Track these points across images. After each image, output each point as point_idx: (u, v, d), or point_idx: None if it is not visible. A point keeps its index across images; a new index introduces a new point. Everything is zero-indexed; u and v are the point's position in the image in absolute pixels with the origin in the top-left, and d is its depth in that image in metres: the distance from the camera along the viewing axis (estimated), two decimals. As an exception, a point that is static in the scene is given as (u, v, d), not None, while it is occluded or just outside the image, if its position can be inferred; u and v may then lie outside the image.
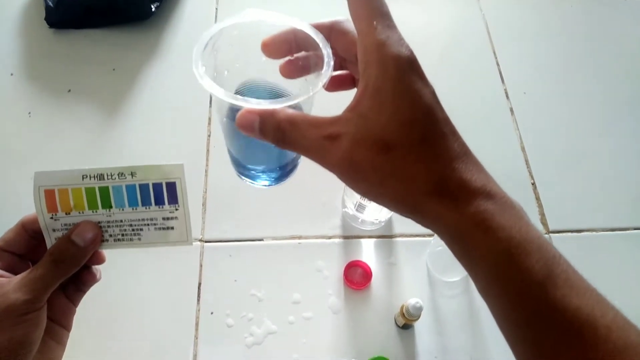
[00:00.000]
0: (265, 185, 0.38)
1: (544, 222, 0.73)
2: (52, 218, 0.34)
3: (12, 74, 0.81)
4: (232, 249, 0.68)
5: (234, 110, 0.28)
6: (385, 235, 0.70)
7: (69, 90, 0.80)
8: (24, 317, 0.31)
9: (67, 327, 0.36)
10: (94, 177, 0.34)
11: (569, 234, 0.73)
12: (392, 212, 0.69)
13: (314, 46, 0.30)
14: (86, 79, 0.81)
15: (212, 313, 0.64)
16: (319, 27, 0.30)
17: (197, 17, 0.88)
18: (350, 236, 0.70)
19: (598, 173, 0.78)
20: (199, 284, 0.65)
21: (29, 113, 0.77)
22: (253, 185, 0.38)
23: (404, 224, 0.71)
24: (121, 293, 0.63)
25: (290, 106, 0.27)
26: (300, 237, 0.69)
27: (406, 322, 0.61)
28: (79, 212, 0.34)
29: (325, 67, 0.29)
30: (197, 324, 0.63)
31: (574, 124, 0.82)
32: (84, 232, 0.33)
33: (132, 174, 0.34)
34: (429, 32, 0.90)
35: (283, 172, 0.37)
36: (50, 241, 0.34)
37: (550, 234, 0.72)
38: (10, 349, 0.31)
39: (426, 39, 0.89)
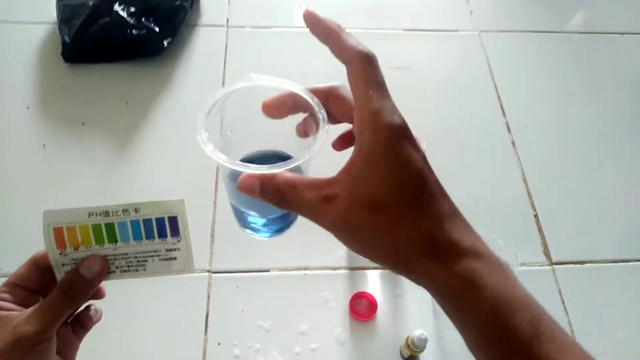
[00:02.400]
0: (267, 237, 0.40)
1: (546, 254, 0.74)
2: (61, 254, 0.36)
3: (28, 107, 0.84)
4: (240, 280, 0.69)
5: (235, 172, 0.29)
6: (390, 267, 0.71)
7: (83, 123, 0.83)
8: (35, 347, 0.33)
9: (70, 359, 0.38)
10: (100, 214, 0.36)
11: (572, 265, 0.73)
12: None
13: (311, 110, 0.32)
14: (100, 112, 0.84)
15: (219, 344, 0.65)
16: (317, 92, 0.32)
17: (207, 53, 0.91)
18: (355, 267, 0.71)
19: (600, 204, 0.79)
20: (207, 315, 0.66)
21: (44, 145, 0.80)
22: (255, 237, 0.40)
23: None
24: (129, 323, 0.64)
25: (289, 169, 0.29)
26: (306, 268, 0.70)
27: (411, 354, 0.62)
28: (87, 247, 0.36)
29: (320, 132, 0.31)
30: (204, 355, 0.64)
31: (576, 156, 0.84)
32: (91, 265, 0.35)
33: (135, 210, 0.36)
34: (432, 66, 0.92)
35: (283, 225, 0.39)
36: (60, 275, 0.36)
37: (554, 266, 0.73)
38: None
39: (429, 73, 0.91)
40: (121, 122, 0.83)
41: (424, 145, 0.53)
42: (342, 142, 0.34)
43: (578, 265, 0.73)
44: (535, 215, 0.77)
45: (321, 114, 0.31)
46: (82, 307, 0.39)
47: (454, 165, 0.81)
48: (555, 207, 0.78)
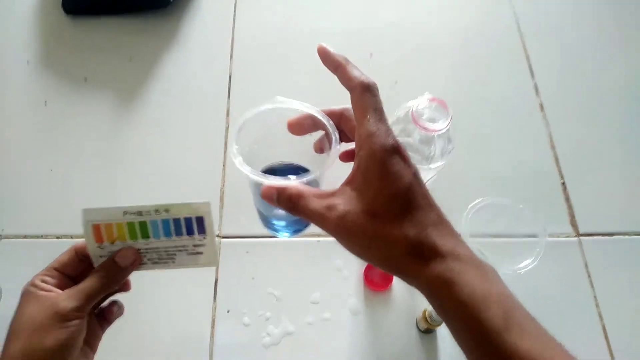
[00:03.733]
0: (287, 236, 0.47)
1: (573, 224, 0.70)
2: (98, 247, 0.40)
3: (28, 62, 0.79)
4: (250, 246, 0.66)
5: (259, 182, 0.35)
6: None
7: (85, 79, 0.78)
8: (70, 322, 0.37)
9: (93, 349, 0.42)
10: (134, 213, 0.40)
11: (600, 237, 0.69)
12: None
13: (326, 130, 0.38)
14: (103, 67, 0.80)
15: (228, 311, 0.62)
16: (332, 113, 0.38)
17: (215, 5, 0.86)
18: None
19: (633, 173, 0.74)
20: (216, 281, 0.64)
21: (45, 102, 0.76)
22: (276, 236, 0.47)
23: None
24: (136, 289, 0.61)
25: (302, 182, 0.34)
26: (319, 235, 0.67)
27: (428, 327, 0.59)
28: (122, 242, 0.40)
29: (332, 150, 0.36)
30: (213, 322, 0.62)
31: (608, 121, 0.78)
32: (126, 256, 0.40)
33: (166, 210, 0.40)
34: (457, 26, 0.86)
35: (301, 226, 0.45)
36: (97, 264, 0.41)
37: (580, 237, 0.69)
38: (54, 350, 0.36)
39: (453, 33, 0.85)
40: (125, 79, 0.79)
41: (450, 112, 0.49)
42: (346, 156, 0.39)
43: (607, 237, 0.69)
44: (563, 184, 0.73)
45: (334, 135, 0.37)
46: (107, 302, 0.44)
47: (477, 130, 0.76)
48: (584, 175, 0.73)
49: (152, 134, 0.74)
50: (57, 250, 0.65)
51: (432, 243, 0.31)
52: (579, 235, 0.69)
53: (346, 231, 0.32)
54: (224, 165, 0.72)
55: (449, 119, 0.48)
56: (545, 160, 0.74)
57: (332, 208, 0.32)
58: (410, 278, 0.32)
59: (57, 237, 0.66)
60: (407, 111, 0.50)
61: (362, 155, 0.32)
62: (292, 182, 0.34)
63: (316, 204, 0.33)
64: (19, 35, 0.82)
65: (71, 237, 0.66)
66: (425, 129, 0.48)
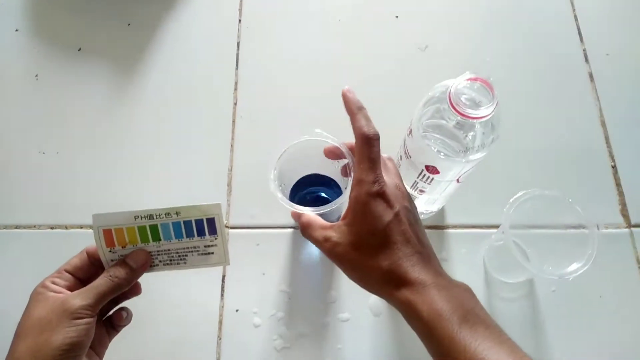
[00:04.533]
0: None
1: (624, 214, 0.62)
2: (110, 251, 0.41)
3: (17, 30, 0.72)
4: (260, 237, 0.60)
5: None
6: (436, 226, 0.61)
7: (80, 49, 0.71)
8: (79, 320, 0.37)
9: (100, 355, 0.42)
10: (145, 217, 0.40)
11: (655, 228, 0.61)
12: (445, 203, 0.59)
13: (349, 161, 0.45)
14: (98, 35, 0.72)
15: (237, 310, 0.57)
16: (352, 146, 0.44)
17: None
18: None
19: (693, 155, 0.65)
20: (223, 277, 0.58)
21: (36, 75, 0.69)
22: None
23: (459, 213, 0.61)
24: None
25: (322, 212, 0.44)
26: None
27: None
28: (133, 245, 0.41)
29: (350, 183, 0.42)
30: (220, 322, 0.56)
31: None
32: (137, 258, 0.41)
33: (177, 213, 0.40)
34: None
35: None
36: (108, 267, 0.41)
37: (632, 228, 0.61)
38: (63, 349, 0.35)
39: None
40: (123, 47, 0.71)
41: (496, 95, 0.40)
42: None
43: (662, 228, 0.61)
44: (614, 167, 0.64)
45: (353, 166, 0.44)
46: (116, 309, 0.44)
47: (518, 104, 0.67)
48: (637, 157, 0.65)
49: (152, 110, 0.67)
50: (52, 242, 0.60)
51: (403, 273, 0.36)
52: (630, 226, 0.61)
53: (337, 259, 0.39)
54: (231, 147, 0.65)
55: (495, 104, 0.40)
56: (593, 139, 0.65)
57: (327, 239, 0.39)
58: (388, 300, 0.38)
59: (51, 228, 0.61)
60: (444, 91, 0.42)
61: (352, 197, 0.39)
62: (308, 212, 0.43)
63: (317, 234, 0.40)
64: (6, 0, 0.74)
65: (66, 228, 0.60)
66: (464, 115, 0.40)
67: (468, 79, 0.41)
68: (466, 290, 0.38)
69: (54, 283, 0.39)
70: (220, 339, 0.56)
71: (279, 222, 0.61)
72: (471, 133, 0.44)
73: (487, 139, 0.43)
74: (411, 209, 0.40)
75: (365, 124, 0.39)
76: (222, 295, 0.57)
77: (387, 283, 0.37)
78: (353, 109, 0.40)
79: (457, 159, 0.43)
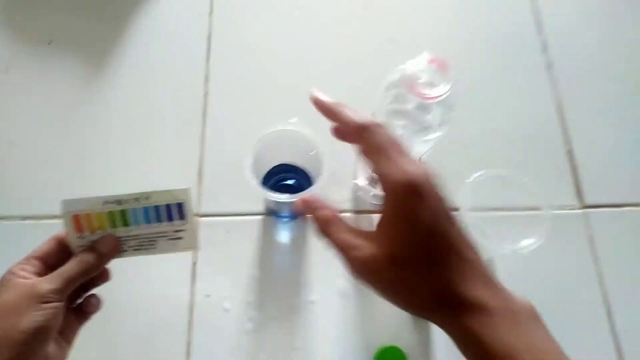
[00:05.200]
0: (286, 222, 0.62)
1: (579, 195, 0.65)
2: (79, 237, 0.41)
3: (-15, 23, 0.72)
4: (230, 224, 0.62)
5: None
6: (400, 211, 0.63)
7: (50, 42, 0.71)
8: (46, 304, 0.36)
9: (69, 342, 0.42)
10: (114, 202, 0.40)
11: (608, 209, 0.64)
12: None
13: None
14: (70, 27, 0.73)
15: (208, 295, 0.58)
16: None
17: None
18: (362, 211, 0.63)
19: (644, 139, 0.69)
20: (194, 264, 0.60)
21: (6, 68, 0.69)
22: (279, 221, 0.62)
23: (422, 198, 0.63)
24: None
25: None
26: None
27: (422, 310, 0.55)
28: (102, 231, 0.41)
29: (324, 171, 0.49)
30: (191, 308, 0.58)
31: (622, 83, 0.72)
32: (106, 243, 0.41)
33: (146, 198, 0.40)
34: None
35: (299, 215, 0.62)
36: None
37: (586, 209, 0.64)
38: (30, 332, 0.35)
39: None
40: (96, 39, 0.72)
41: (452, 75, 0.43)
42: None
43: (614, 209, 0.65)
44: (569, 152, 0.67)
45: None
46: (86, 296, 0.43)
47: (478, 89, 0.70)
48: (593, 142, 0.68)
49: (123, 101, 0.68)
50: (23, 233, 0.61)
51: (459, 292, 0.29)
52: (584, 207, 0.64)
53: (369, 274, 0.31)
54: (202, 136, 0.66)
55: (450, 84, 0.42)
56: (549, 124, 0.68)
57: (356, 248, 0.31)
58: (438, 325, 0.30)
59: (22, 219, 0.61)
60: (402, 74, 0.44)
61: (384, 198, 0.31)
62: (284, 199, 0.45)
63: (344, 237, 0.32)
64: (-25, -8, 0.75)
65: (38, 219, 0.61)
66: (421, 95, 0.42)
67: (426, 60, 0.43)
68: (534, 318, 0.31)
69: (22, 270, 0.39)
70: (191, 323, 0.57)
71: (248, 209, 0.62)
72: (430, 114, 0.46)
73: (445, 117, 0.45)
74: (448, 205, 0.32)
75: (355, 115, 0.33)
76: (193, 281, 0.59)
77: (440, 306, 0.30)
78: (333, 109, 0.34)
79: (417, 139, 0.45)
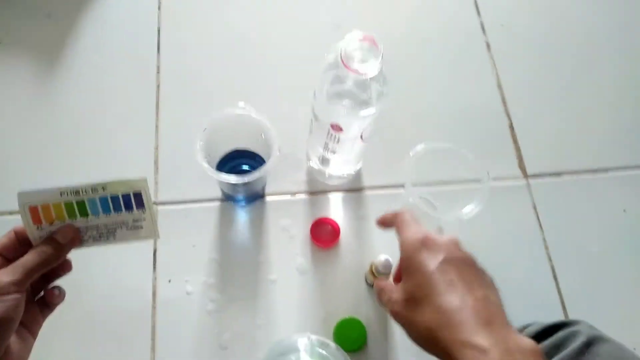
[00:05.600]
0: (243, 206, 0.65)
1: (521, 167, 0.68)
2: (37, 229, 0.40)
3: None
4: (188, 211, 0.63)
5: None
6: (353, 189, 0.65)
7: (0, 42, 0.71)
8: (6, 297, 0.36)
9: (33, 334, 0.41)
10: (71, 193, 0.40)
11: (549, 178, 0.68)
12: (360, 165, 0.64)
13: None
14: (18, 28, 0.73)
15: (170, 281, 0.60)
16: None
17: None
18: (316, 192, 0.65)
19: (579, 112, 0.73)
20: (155, 251, 0.61)
21: (-46, 69, 0.69)
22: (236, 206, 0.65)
23: (373, 176, 0.66)
24: (74, 262, 0.58)
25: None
26: (263, 195, 0.64)
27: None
28: (61, 222, 0.41)
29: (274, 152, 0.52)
30: (154, 293, 0.59)
31: (555, 60, 0.76)
32: (65, 233, 0.40)
33: (103, 188, 0.40)
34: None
35: (257, 197, 0.64)
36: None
37: (529, 179, 0.68)
38: None
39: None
40: (45, 38, 0.72)
41: (380, 50, 0.45)
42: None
43: (554, 178, 0.69)
44: (510, 126, 0.71)
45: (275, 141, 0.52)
46: (48, 287, 0.43)
47: (420, 69, 0.73)
48: (532, 115, 0.72)
49: (78, 97, 0.69)
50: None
51: (451, 332, 0.32)
52: (526, 177, 0.68)
53: (394, 317, 0.37)
54: (156, 127, 0.67)
55: (380, 58, 0.45)
56: (492, 102, 0.72)
57: (389, 300, 0.38)
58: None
59: (-21, 216, 0.61)
60: (336, 54, 0.46)
61: (400, 255, 0.39)
62: (233, 180, 0.50)
63: (384, 297, 0.39)
64: None
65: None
66: (353, 71, 0.44)
67: (358, 39, 0.46)
68: (535, 356, 0.31)
69: None
70: (154, 308, 0.58)
71: (205, 195, 0.64)
72: (367, 90, 0.48)
73: (381, 91, 0.48)
74: (462, 253, 0.37)
75: (394, 216, 0.43)
76: (154, 267, 0.60)
77: (435, 344, 0.33)
78: (395, 222, 0.42)
79: (354, 113, 0.48)
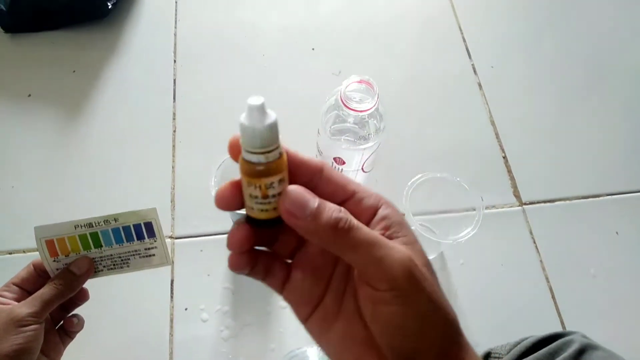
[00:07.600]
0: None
1: (516, 195, 0.73)
2: (54, 261, 0.43)
3: (-31, 82, 0.79)
4: (203, 244, 0.67)
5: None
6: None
7: (29, 95, 0.78)
8: (26, 328, 0.38)
9: None
10: (84, 225, 0.42)
11: (543, 204, 0.72)
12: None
13: None
14: (46, 82, 0.80)
15: (186, 309, 0.63)
16: (308, 165, 0.27)
17: (154, 13, 0.86)
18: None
19: (569, 142, 0.78)
20: (172, 281, 0.65)
21: (-11, 120, 0.76)
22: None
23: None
24: (93, 292, 0.62)
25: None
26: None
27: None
28: (76, 253, 0.43)
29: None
30: (171, 321, 0.62)
31: (543, 94, 0.82)
32: (81, 264, 0.42)
33: (115, 220, 0.42)
34: (396, 12, 0.89)
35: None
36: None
37: (524, 206, 0.72)
38: (11, 356, 0.37)
39: (393, 19, 0.88)
40: (70, 92, 0.79)
41: (376, 90, 0.51)
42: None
43: (548, 204, 0.72)
44: (504, 157, 0.75)
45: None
46: (67, 316, 0.46)
47: (419, 110, 0.79)
48: (523, 147, 0.77)
49: (100, 144, 0.75)
50: (10, 266, 0.65)
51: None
52: (522, 204, 0.72)
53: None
54: (173, 168, 0.72)
55: (376, 97, 0.50)
56: (486, 136, 0.77)
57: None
58: None
59: (10, 253, 0.66)
60: (337, 96, 0.52)
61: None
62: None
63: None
64: (-42, 56, 0.81)
65: (24, 252, 0.66)
66: (352, 110, 0.50)
67: (356, 82, 0.51)
68: None
69: (1, 296, 0.41)
70: (172, 335, 0.61)
71: (219, 229, 0.68)
72: (366, 127, 0.53)
73: (378, 126, 0.53)
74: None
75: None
76: (171, 296, 0.64)
77: None
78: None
79: (354, 148, 0.53)
